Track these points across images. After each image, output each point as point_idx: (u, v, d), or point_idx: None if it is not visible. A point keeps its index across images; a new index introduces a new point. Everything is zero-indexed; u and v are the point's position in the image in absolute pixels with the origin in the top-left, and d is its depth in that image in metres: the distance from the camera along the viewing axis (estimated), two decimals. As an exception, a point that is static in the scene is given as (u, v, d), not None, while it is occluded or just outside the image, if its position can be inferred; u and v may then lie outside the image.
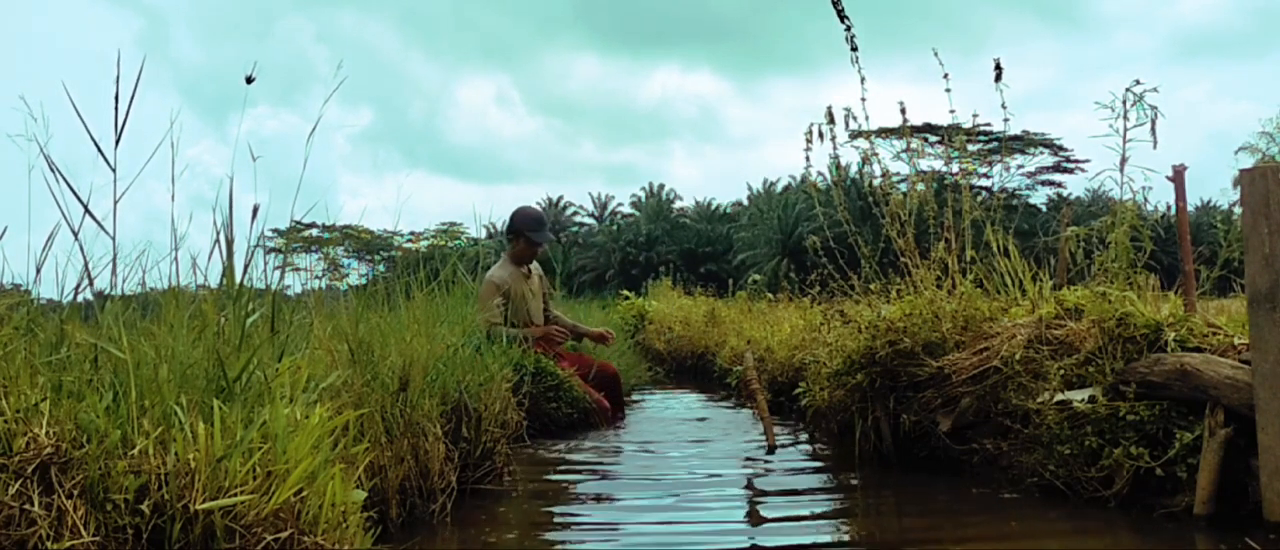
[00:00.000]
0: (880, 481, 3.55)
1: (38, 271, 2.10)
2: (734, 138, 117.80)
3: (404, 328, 3.10)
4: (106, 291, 2.24)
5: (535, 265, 5.69)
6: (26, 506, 1.62)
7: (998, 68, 4.01)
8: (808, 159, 4.65)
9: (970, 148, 4.89)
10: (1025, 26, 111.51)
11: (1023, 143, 42.85)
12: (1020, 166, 45.43)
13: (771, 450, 4.23)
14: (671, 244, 57.39)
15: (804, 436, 4.74)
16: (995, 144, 5.32)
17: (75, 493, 1.67)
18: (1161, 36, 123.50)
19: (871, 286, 4.24)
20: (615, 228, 62.31)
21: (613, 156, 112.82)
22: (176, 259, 2.35)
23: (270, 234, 2.64)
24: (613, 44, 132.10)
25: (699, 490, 3.42)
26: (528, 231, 5.46)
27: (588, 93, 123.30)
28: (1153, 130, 3.35)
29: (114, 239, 2.10)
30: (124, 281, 2.25)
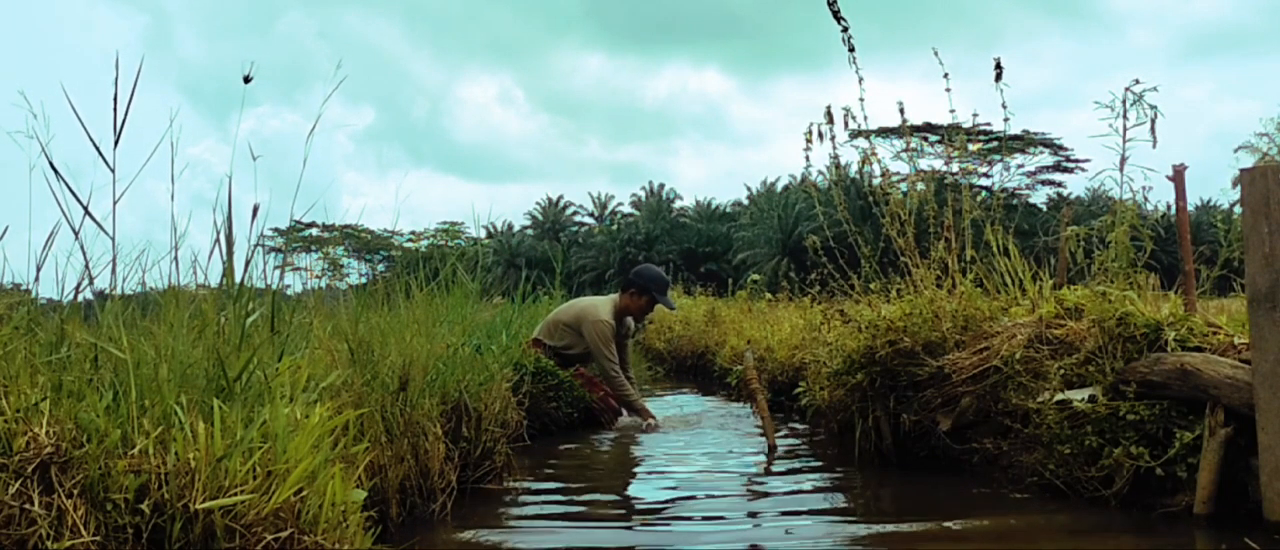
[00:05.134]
0: (880, 481, 3.55)
1: (38, 271, 2.10)
2: (741, 136, 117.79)
3: (404, 327, 3.10)
4: (106, 291, 2.24)
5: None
6: (26, 506, 1.62)
7: (998, 67, 4.01)
8: (807, 159, 4.66)
9: (971, 147, 4.89)
10: (1038, 24, 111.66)
11: (1023, 142, 42.83)
12: (1020, 166, 45.44)
13: (772, 450, 4.24)
14: (671, 243, 57.38)
15: (804, 436, 4.74)
16: (996, 143, 5.32)
17: (75, 492, 1.66)
18: (1173, 34, 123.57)
19: (871, 286, 4.24)
20: (615, 227, 62.29)
21: (618, 154, 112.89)
22: (176, 258, 2.35)
23: (270, 233, 2.64)
24: (621, 41, 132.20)
25: (699, 489, 3.42)
26: (656, 292, 5.56)
27: (594, 90, 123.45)
28: (1152, 130, 3.35)
29: (113, 239, 2.10)
30: (124, 281, 2.25)
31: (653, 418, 5.37)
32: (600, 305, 5.54)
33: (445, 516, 2.87)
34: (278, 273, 2.86)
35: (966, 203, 4.06)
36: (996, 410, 3.37)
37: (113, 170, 2.04)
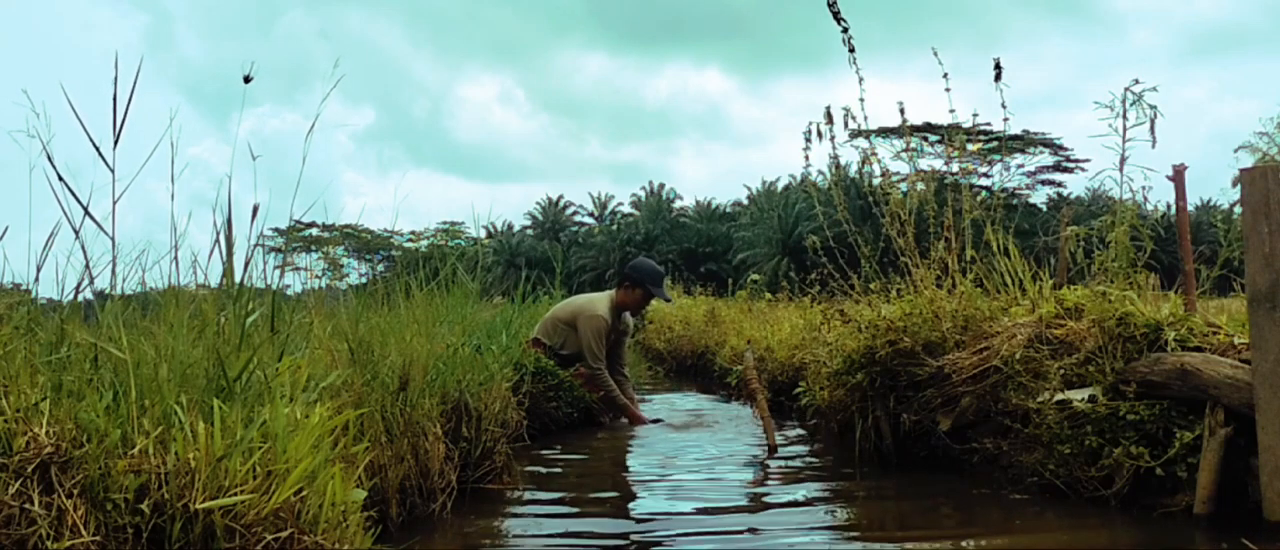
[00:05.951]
0: (880, 481, 3.55)
1: (38, 271, 2.10)
2: (742, 135, 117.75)
3: (404, 327, 3.10)
4: (106, 291, 2.24)
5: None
6: (26, 506, 1.62)
7: (997, 67, 4.01)
8: (807, 159, 4.66)
9: (971, 147, 4.89)
10: (1039, 24, 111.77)
11: (1023, 142, 42.82)
12: (1020, 166, 45.42)
13: (772, 449, 4.24)
14: (671, 243, 57.37)
15: (804, 436, 4.74)
16: (996, 143, 5.32)
17: (75, 492, 1.66)
18: (1174, 34, 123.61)
19: (871, 286, 4.24)
20: (615, 227, 62.28)
21: (619, 154, 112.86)
22: (176, 258, 2.35)
23: (270, 233, 2.64)
24: (623, 41, 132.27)
25: (699, 489, 3.42)
26: (650, 284, 5.52)
27: (595, 90, 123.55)
28: (1152, 130, 3.36)
29: (113, 239, 2.10)
30: (124, 281, 2.25)
31: (641, 419, 5.37)
32: (597, 301, 5.55)
33: (445, 516, 2.87)
34: (278, 273, 2.85)
35: (966, 203, 4.06)
36: (996, 410, 3.37)
37: (112, 170, 2.04)
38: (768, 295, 10.31)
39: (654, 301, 5.85)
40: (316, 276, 4.99)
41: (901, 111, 4.54)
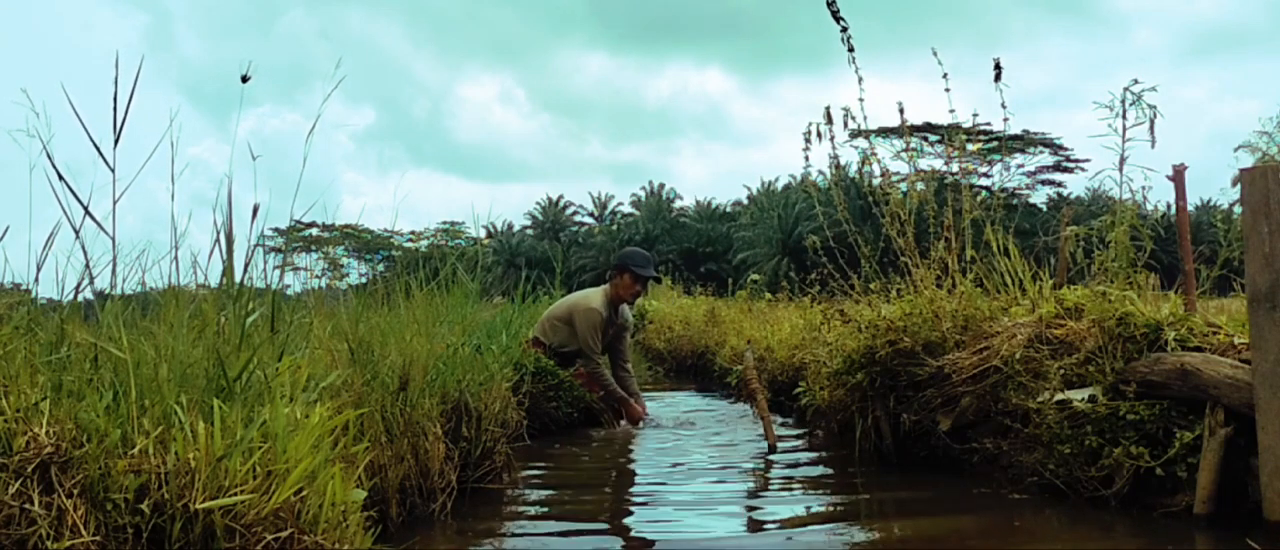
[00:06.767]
0: (880, 481, 3.55)
1: (38, 271, 2.10)
2: (742, 135, 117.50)
3: (404, 327, 3.10)
4: (106, 291, 2.23)
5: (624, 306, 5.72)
6: (26, 506, 1.62)
7: (997, 67, 4.01)
8: (807, 159, 4.66)
9: (971, 147, 4.89)
10: (1040, 23, 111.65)
11: (1023, 142, 42.81)
12: (1020, 166, 45.42)
13: (772, 449, 4.24)
14: (671, 243, 57.36)
15: (804, 436, 4.74)
16: (996, 143, 5.32)
17: (75, 492, 1.67)
18: (1175, 33, 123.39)
19: (871, 286, 4.24)
20: (615, 227, 62.28)
21: (619, 154, 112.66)
22: (176, 258, 2.35)
23: (270, 233, 2.64)
24: (623, 40, 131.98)
25: (699, 489, 3.42)
26: (633, 266, 5.52)
27: (596, 90, 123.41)
28: (1151, 129, 3.36)
29: (113, 239, 2.10)
30: (124, 281, 2.25)
31: (640, 413, 5.38)
32: (592, 296, 5.57)
33: (445, 516, 2.87)
34: (278, 273, 2.85)
35: (966, 203, 4.06)
36: (996, 410, 3.37)
37: (113, 170, 2.04)
38: (768, 295, 10.32)
39: (654, 303, 5.85)
40: (316, 276, 4.99)
41: (901, 111, 4.54)
